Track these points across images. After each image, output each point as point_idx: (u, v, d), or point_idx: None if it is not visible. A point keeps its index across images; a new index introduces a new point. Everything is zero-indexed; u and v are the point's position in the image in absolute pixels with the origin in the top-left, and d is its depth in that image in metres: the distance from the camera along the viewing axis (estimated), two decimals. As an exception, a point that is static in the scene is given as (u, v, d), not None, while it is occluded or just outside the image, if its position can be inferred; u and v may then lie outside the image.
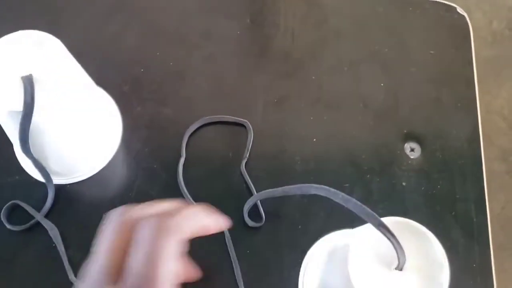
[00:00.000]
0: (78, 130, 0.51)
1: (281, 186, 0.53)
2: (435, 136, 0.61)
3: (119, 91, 0.61)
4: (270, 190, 0.52)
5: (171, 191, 0.57)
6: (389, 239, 0.39)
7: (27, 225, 0.54)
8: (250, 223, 0.55)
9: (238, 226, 0.55)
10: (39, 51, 0.46)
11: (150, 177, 0.58)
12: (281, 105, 0.62)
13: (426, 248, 0.41)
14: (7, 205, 0.54)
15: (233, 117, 0.60)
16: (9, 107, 0.44)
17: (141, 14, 0.68)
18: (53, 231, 0.53)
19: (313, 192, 0.49)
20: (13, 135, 0.49)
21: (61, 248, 0.53)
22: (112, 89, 0.60)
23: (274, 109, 0.62)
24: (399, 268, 0.40)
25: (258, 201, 0.55)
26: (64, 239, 0.54)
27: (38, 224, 0.54)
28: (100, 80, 0.56)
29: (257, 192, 0.56)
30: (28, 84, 0.43)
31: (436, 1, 0.69)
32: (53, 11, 0.68)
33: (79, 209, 0.56)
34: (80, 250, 0.53)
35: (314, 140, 0.60)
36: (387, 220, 0.40)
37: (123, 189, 0.57)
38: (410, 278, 0.40)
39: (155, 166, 0.58)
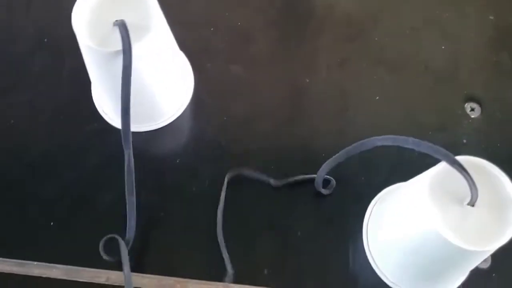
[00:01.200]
0: (160, 78, 0.54)
1: (344, 144, 0.56)
2: (495, 98, 0.63)
3: (191, 49, 0.64)
4: (334, 157, 0.53)
5: (239, 143, 0.60)
6: (463, 175, 0.41)
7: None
8: (324, 191, 0.57)
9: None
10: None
11: (219, 129, 0.61)
12: (344, 66, 0.65)
13: (497, 186, 0.43)
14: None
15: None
16: (104, 48, 0.47)
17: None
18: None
19: (379, 144, 0.51)
20: (98, 77, 0.52)
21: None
22: (185, 47, 0.63)
23: (336, 70, 0.64)
24: (471, 203, 0.42)
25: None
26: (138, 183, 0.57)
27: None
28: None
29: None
30: (123, 28, 0.46)
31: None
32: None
33: (154, 155, 0.60)
34: (152, 195, 0.57)
35: (377, 98, 0.62)
36: (461, 158, 0.42)
37: (195, 139, 0.60)
38: (481, 214, 0.42)
39: (224, 118, 0.61)
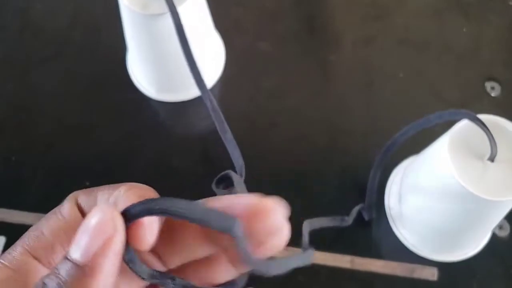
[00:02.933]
0: (195, 48, 0.57)
1: (370, 115, 0.59)
2: (515, 77, 0.65)
3: (223, 27, 0.66)
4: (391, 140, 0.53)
5: (267, 116, 0.63)
6: (483, 130, 0.43)
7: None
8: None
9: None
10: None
11: (248, 102, 0.63)
12: (369, 44, 0.67)
13: (516, 144, 0.45)
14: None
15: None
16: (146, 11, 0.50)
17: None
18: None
19: (402, 139, 0.52)
20: (137, 42, 0.55)
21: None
22: (217, 25, 0.66)
23: (362, 46, 0.67)
24: (491, 158, 0.44)
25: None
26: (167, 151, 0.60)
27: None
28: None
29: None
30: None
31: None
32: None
33: (183, 126, 0.63)
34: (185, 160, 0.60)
35: (401, 75, 0.65)
36: (481, 116, 0.45)
37: (224, 111, 0.63)
38: (500, 168, 0.44)
39: (253, 92, 0.64)
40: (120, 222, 0.22)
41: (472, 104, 0.63)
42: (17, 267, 0.24)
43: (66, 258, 0.22)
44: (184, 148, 0.61)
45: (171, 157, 0.61)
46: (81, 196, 0.26)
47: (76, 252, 0.21)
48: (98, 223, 0.21)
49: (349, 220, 0.55)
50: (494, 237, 0.56)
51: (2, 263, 0.24)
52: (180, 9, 0.50)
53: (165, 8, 0.49)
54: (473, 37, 0.68)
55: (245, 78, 0.65)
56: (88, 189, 0.27)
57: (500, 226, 0.56)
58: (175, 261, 0.26)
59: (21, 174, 0.60)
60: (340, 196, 0.59)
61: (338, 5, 0.70)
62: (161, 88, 0.61)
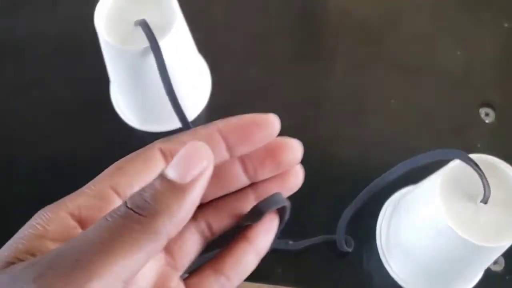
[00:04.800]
0: (178, 79, 0.55)
1: (359, 145, 0.57)
2: (508, 103, 0.63)
3: (210, 52, 0.65)
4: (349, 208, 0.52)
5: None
6: (476, 171, 0.42)
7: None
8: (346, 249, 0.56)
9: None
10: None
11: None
12: (360, 69, 0.66)
13: (509, 184, 0.43)
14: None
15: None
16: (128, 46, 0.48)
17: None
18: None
19: (391, 178, 0.50)
20: (118, 76, 0.54)
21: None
22: (203, 50, 0.64)
23: (353, 72, 0.65)
24: (484, 201, 0.42)
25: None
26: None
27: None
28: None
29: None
30: (146, 27, 0.48)
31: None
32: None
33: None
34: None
35: (393, 102, 0.63)
36: (474, 156, 0.43)
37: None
38: (494, 211, 0.43)
39: (241, 120, 0.62)
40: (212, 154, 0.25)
41: (466, 132, 0.62)
42: (100, 197, 0.27)
43: (161, 176, 0.24)
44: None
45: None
46: (161, 144, 0.29)
47: (174, 173, 0.24)
48: (198, 151, 0.25)
49: (296, 245, 0.55)
50: (488, 272, 0.54)
51: (86, 192, 0.28)
52: (162, 43, 0.48)
53: (145, 42, 0.48)
54: (467, 61, 0.66)
55: (234, 105, 0.64)
56: (165, 138, 0.30)
57: (494, 261, 0.54)
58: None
59: (3, 201, 0.59)
60: (327, 225, 0.57)
61: (329, 29, 0.69)
62: (145, 119, 0.60)
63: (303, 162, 0.59)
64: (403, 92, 0.64)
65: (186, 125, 0.53)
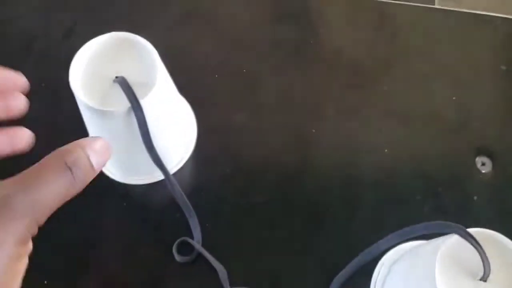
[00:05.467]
0: (161, 131, 0.53)
1: (351, 193, 0.55)
2: (507, 151, 0.61)
3: (195, 97, 0.62)
4: (341, 273, 0.51)
5: (244, 195, 0.58)
6: (476, 249, 0.39)
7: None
8: None
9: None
10: (131, 53, 0.48)
11: (222, 181, 0.59)
12: (352, 115, 0.63)
13: (510, 261, 0.41)
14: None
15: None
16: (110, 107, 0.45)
17: (213, 22, 0.70)
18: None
19: (384, 247, 0.49)
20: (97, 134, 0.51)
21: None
22: (188, 94, 0.61)
23: (344, 118, 0.63)
24: (484, 279, 0.40)
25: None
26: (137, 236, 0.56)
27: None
28: (176, 85, 0.58)
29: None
30: (126, 86, 0.45)
31: (507, 18, 0.69)
32: (131, 16, 0.70)
33: (154, 208, 0.58)
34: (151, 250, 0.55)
35: (386, 151, 0.61)
36: (473, 231, 0.41)
37: (197, 191, 0.58)
38: (494, 289, 0.40)
39: (228, 170, 0.59)
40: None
41: (462, 183, 0.59)
42: None
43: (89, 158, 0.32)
44: (153, 238, 0.56)
45: (140, 246, 0.56)
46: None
47: (96, 161, 0.32)
48: (109, 148, 0.34)
49: None
50: None
51: None
52: (144, 102, 0.46)
53: (125, 102, 0.45)
54: (463, 107, 0.64)
55: (220, 154, 0.61)
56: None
57: None
58: None
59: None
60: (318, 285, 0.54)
61: (319, 72, 0.66)
62: (126, 172, 0.57)
63: (291, 216, 0.56)
64: (396, 139, 0.62)
65: (169, 179, 0.52)
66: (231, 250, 0.55)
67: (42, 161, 0.31)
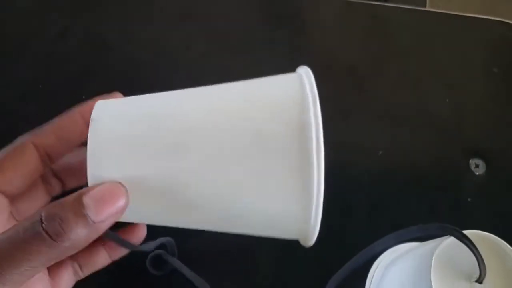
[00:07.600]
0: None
1: (345, 195, 0.54)
2: (500, 154, 0.61)
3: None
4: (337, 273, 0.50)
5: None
6: (472, 251, 0.39)
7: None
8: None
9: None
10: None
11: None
12: (345, 118, 0.63)
13: (506, 263, 0.41)
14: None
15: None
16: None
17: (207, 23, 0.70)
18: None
19: (380, 248, 0.48)
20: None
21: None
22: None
23: (337, 121, 0.63)
24: (480, 281, 0.40)
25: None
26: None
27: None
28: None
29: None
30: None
31: (500, 21, 0.70)
32: (126, 16, 0.70)
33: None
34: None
35: (380, 153, 0.61)
36: (469, 233, 0.41)
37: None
38: (490, 292, 0.40)
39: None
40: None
41: (455, 186, 0.59)
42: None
43: (78, 202, 0.27)
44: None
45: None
46: (33, 138, 0.35)
47: (90, 208, 0.27)
48: (115, 192, 0.28)
49: None
50: None
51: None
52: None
53: None
54: (456, 109, 0.64)
55: None
56: (34, 131, 0.36)
57: None
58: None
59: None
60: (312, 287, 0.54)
61: (314, 75, 0.66)
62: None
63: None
64: (390, 141, 0.61)
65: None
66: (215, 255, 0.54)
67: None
